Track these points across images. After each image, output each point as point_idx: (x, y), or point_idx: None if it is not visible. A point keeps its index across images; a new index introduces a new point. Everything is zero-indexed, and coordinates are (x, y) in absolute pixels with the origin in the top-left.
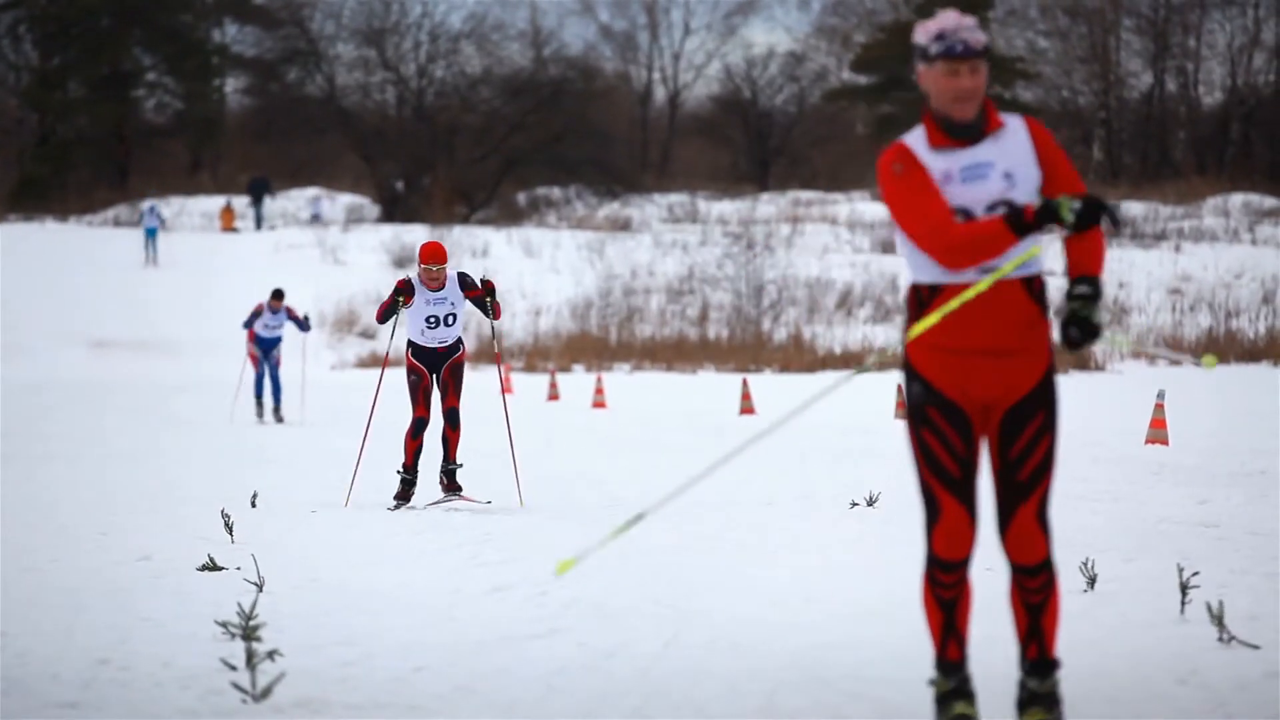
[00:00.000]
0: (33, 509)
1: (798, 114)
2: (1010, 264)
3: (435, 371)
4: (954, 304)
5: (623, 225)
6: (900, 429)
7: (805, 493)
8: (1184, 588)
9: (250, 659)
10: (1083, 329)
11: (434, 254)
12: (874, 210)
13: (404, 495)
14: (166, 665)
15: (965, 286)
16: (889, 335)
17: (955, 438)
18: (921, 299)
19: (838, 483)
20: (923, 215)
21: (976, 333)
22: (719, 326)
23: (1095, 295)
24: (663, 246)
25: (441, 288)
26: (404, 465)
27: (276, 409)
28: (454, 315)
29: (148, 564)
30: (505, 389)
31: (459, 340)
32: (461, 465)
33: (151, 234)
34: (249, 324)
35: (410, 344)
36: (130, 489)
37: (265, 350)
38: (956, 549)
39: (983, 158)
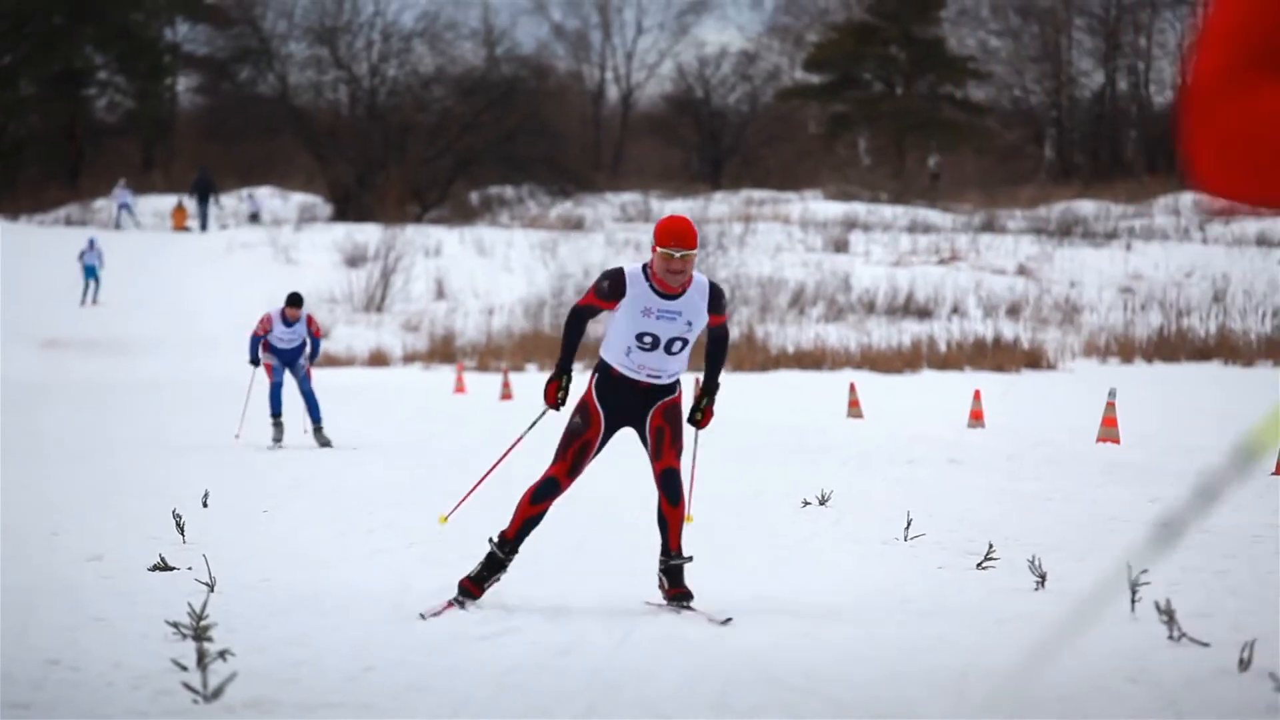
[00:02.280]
0: None
1: (750, 113)
2: None
3: (623, 421)
4: None
5: (575, 224)
6: (852, 429)
7: (757, 491)
8: (1134, 586)
9: (201, 659)
10: None
11: (683, 234)
12: (826, 209)
13: (478, 580)
14: (117, 665)
15: None
16: (841, 335)
17: None
18: None
19: (789, 481)
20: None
21: None
22: None
23: None
24: (615, 245)
25: (681, 293)
26: (502, 536)
27: (317, 429)
28: (684, 341)
29: (99, 564)
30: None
31: (677, 381)
32: (690, 559)
33: (91, 273)
34: (255, 350)
35: (600, 367)
36: (81, 489)
37: (286, 359)
38: None
39: None
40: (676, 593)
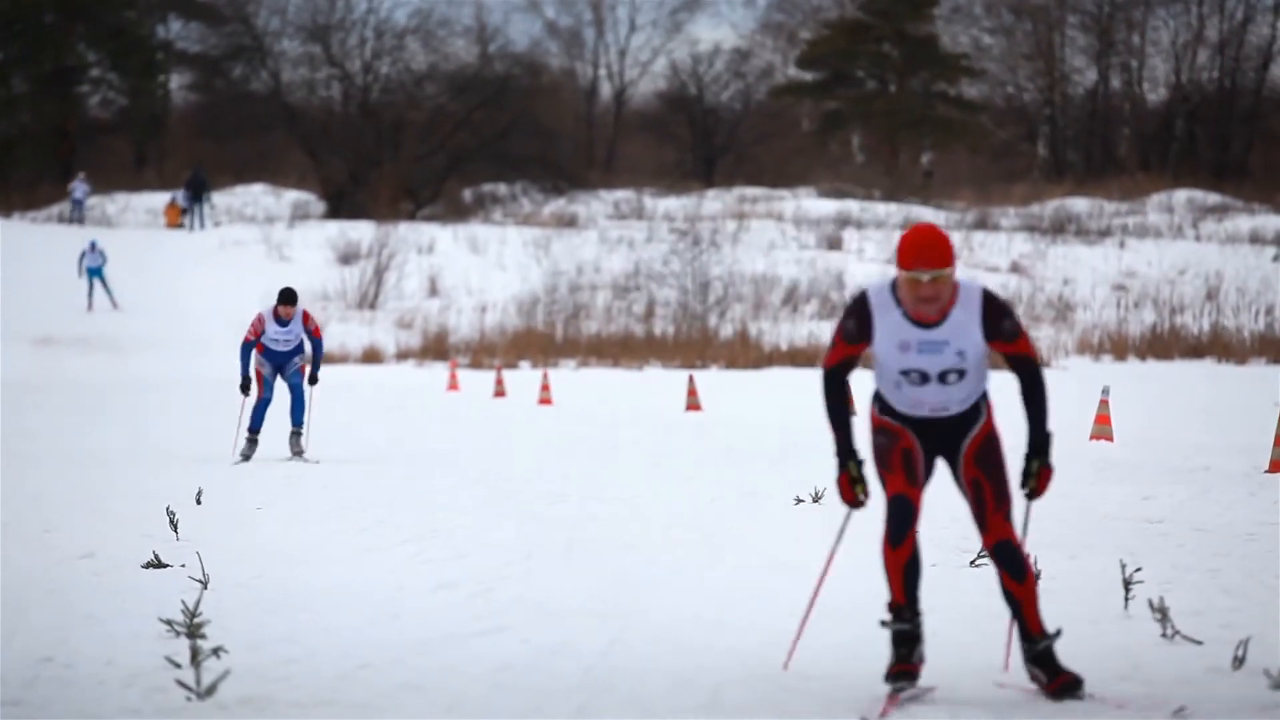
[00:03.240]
0: None
1: (743, 110)
2: None
3: (932, 445)
4: None
5: (568, 222)
6: None
7: (749, 490)
8: (1127, 583)
9: (194, 657)
10: None
11: (930, 249)
12: (819, 207)
13: (902, 659)
14: (110, 663)
15: None
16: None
17: None
18: None
19: (782, 479)
20: None
21: None
22: (665, 323)
23: None
24: (608, 243)
25: (940, 316)
26: (892, 604)
27: (295, 433)
28: (960, 373)
29: (91, 561)
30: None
31: (977, 406)
32: (1059, 633)
33: (96, 274)
34: (246, 365)
35: (877, 395)
36: (73, 486)
37: (280, 361)
38: None
39: None
40: (1062, 682)
